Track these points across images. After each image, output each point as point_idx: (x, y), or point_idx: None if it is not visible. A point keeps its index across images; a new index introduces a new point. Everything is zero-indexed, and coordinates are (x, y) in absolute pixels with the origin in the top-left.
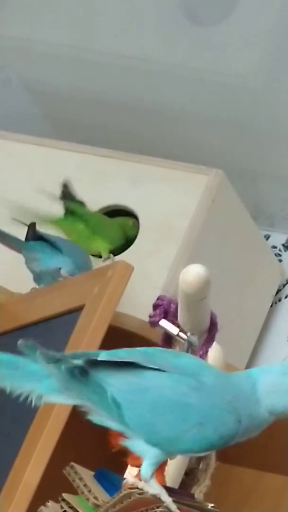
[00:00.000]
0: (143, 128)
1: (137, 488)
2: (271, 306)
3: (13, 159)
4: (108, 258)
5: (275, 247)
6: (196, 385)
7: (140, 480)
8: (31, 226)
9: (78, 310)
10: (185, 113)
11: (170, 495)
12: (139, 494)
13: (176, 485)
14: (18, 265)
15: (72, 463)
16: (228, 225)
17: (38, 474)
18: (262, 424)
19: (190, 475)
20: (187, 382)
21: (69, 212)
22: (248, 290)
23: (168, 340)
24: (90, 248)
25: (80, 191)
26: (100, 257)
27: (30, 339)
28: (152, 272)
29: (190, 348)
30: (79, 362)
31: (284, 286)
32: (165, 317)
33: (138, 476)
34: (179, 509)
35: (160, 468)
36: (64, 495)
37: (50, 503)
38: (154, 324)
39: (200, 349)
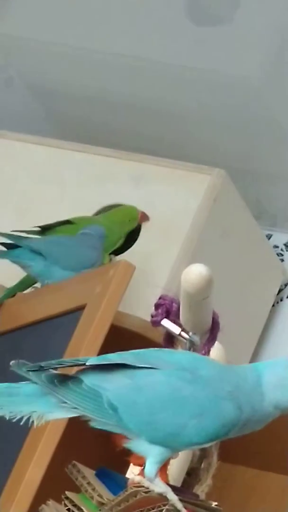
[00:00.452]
0: (145, 127)
1: (142, 486)
2: (273, 305)
3: (15, 159)
4: (110, 260)
5: (277, 247)
6: (191, 378)
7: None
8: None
9: (79, 309)
10: (187, 113)
11: (175, 494)
12: (145, 492)
13: (178, 485)
14: None
15: (74, 461)
16: (230, 225)
17: (40, 473)
18: (266, 418)
19: (192, 475)
20: (181, 375)
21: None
22: (250, 290)
23: (170, 340)
24: None
25: (82, 191)
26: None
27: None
28: (154, 271)
29: (192, 347)
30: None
31: (286, 285)
32: (167, 317)
33: (140, 474)
34: (184, 507)
35: (163, 467)
36: (68, 493)
37: (51, 502)
38: (156, 323)
39: (202, 348)
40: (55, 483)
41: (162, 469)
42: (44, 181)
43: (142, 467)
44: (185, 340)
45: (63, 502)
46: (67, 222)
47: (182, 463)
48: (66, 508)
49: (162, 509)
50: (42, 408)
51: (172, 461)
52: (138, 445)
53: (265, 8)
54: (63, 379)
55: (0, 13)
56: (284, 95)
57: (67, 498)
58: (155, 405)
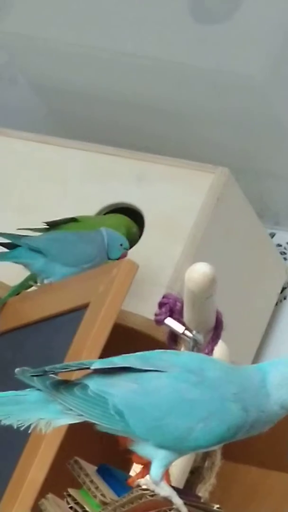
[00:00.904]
0: (148, 126)
1: (148, 489)
2: (276, 304)
3: (18, 157)
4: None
5: (280, 246)
6: (197, 380)
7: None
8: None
9: (83, 308)
10: (190, 111)
11: (179, 497)
12: (150, 496)
13: (181, 484)
14: None
15: (76, 457)
16: (233, 223)
17: (43, 472)
18: (273, 418)
19: (195, 473)
20: (186, 378)
21: None
22: (253, 289)
23: (174, 339)
24: None
25: (85, 189)
26: None
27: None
28: (157, 270)
29: (196, 346)
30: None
31: None
32: (170, 315)
33: (141, 473)
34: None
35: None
36: (70, 490)
37: (51, 496)
38: (159, 322)
39: (206, 347)
40: (57, 479)
41: (165, 471)
42: (47, 179)
43: (144, 466)
44: (188, 339)
45: (65, 500)
46: (72, 219)
47: (185, 462)
48: (69, 506)
49: None
50: (49, 415)
51: (175, 461)
52: (143, 448)
53: (268, 6)
54: (69, 385)
55: (3, 11)
56: (287, 93)
57: (69, 495)
58: (162, 409)
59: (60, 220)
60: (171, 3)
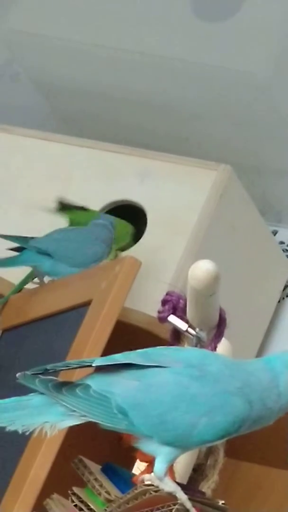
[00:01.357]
0: (151, 123)
1: (152, 485)
2: (279, 301)
3: (21, 154)
4: (116, 256)
5: (283, 243)
6: (200, 375)
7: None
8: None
9: (85, 305)
10: (193, 109)
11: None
12: (154, 491)
13: (184, 481)
14: None
15: (80, 456)
16: (236, 221)
17: (45, 470)
18: (278, 413)
19: (198, 471)
20: (188, 373)
21: (73, 223)
22: (256, 286)
23: (177, 336)
24: None
25: (88, 186)
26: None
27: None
28: (159, 267)
29: (199, 344)
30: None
31: None
32: (173, 313)
33: (146, 471)
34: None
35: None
36: (74, 489)
37: (56, 495)
38: (162, 319)
39: (209, 344)
40: (60, 478)
41: (169, 466)
42: (51, 176)
43: (149, 463)
44: (192, 336)
45: (70, 498)
46: (82, 208)
47: (188, 459)
48: (74, 504)
49: (172, 509)
50: (53, 418)
51: (178, 458)
52: (148, 445)
53: (271, 3)
54: (71, 386)
55: (6, 8)
56: None
57: (74, 494)
58: (165, 406)
59: (71, 205)
60: (175, 1)
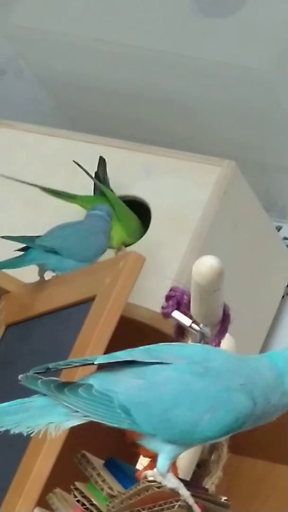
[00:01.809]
0: (155, 119)
1: (155, 481)
2: (282, 297)
3: (25, 150)
4: (120, 249)
5: (287, 239)
6: (202, 371)
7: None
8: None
9: (89, 301)
10: (197, 104)
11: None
12: (157, 487)
13: (188, 477)
14: None
15: (83, 451)
16: (240, 216)
17: (49, 465)
18: (282, 410)
19: (202, 467)
20: (191, 369)
21: (99, 192)
22: (259, 282)
23: (181, 332)
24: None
25: (92, 182)
26: (111, 247)
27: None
28: (164, 263)
29: (203, 339)
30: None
31: None
32: (177, 309)
33: (149, 467)
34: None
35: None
36: (77, 484)
37: (58, 490)
38: (166, 315)
39: (213, 340)
40: (63, 473)
41: (172, 463)
42: (54, 172)
43: (152, 459)
44: (195, 332)
45: (72, 493)
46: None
47: (192, 455)
48: (76, 499)
49: (175, 505)
50: (57, 419)
51: (182, 454)
52: (151, 443)
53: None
54: (73, 387)
55: (9, 4)
56: None
57: (76, 489)
58: (168, 403)
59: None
60: None
